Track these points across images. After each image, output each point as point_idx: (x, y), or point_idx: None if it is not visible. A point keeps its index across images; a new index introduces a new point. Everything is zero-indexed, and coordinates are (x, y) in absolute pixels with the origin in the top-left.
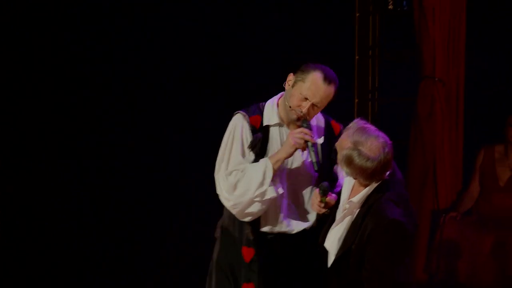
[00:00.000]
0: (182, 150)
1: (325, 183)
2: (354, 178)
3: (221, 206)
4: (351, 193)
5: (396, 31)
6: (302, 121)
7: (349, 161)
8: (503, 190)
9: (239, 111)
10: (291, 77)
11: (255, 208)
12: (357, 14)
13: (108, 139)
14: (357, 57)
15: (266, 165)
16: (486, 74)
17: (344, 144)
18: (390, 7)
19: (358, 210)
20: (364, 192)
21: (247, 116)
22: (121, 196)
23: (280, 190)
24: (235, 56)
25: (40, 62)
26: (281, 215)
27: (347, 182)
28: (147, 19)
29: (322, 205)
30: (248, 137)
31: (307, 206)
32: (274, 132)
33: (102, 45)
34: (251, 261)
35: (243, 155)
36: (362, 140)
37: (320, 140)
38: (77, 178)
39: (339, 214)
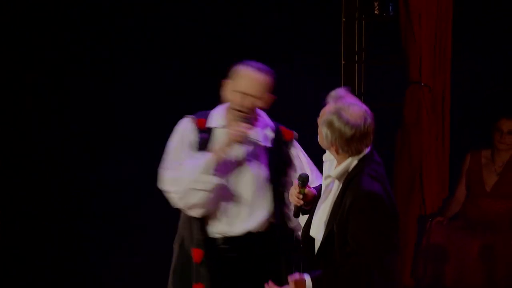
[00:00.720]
0: None
1: (304, 174)
2: (332, 146)
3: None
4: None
5: (383, 36)
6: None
7: (329, 124)
8: (489, 195)
9: (187, 115)
10: (225, 82)
11: (197, 197)
12: (343, 19)
13: (108, 139)
14: (343, 62)
15: (208, 158)
16: (473, 79)
17: (326, 110)
18: (376, 12)
19: (340, 188)
20: (343, 166)
21: (194, 119)
22: (122, 196)
23: (221, 181)
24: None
25: (40, 61)
26: (227, 216)
27: (326, 167)
28: (146, 19)
29: (301, 196)
30: (193, 137)
31: (252, 207)
32: (219, 134)
33: (102, 47)
34: (201, 263)
35: (188, 154)
36: (344, 106)
37: (261, 137)
38: (77, 178)
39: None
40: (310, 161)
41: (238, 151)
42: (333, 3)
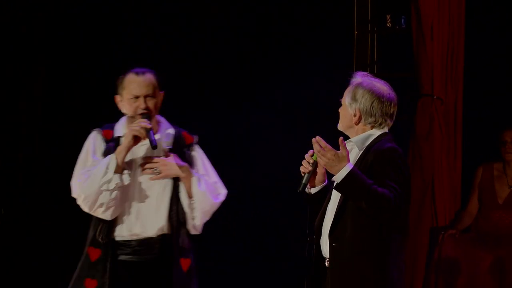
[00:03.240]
0: None
1: None
2: (355, 116)
3: None
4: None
5: (395, 49)
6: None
7: (353, 93)
8: (501, 207)
9: (95, 128)
10: (117, 98)
11: (104, 198)
12: (356, 32)
13: None
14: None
15: (110, 157)
16: (485, 92)
17: (352, 83)
18: (389, 25)
19: (359, 154)
20: (364, 134)
21: (100, 131)
22: None
23: (126, 179)
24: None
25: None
26: (133, 217)
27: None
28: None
29: (311, 161)
30: (100, 147)
31: (157, 211)
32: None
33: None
34: (97, 261)
35: (95, 162)
36: (369, 79)
37: (163, 141)
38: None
39: (331, 204)
40: (211, 166)
41: (140, 151)
42: (345, 16)
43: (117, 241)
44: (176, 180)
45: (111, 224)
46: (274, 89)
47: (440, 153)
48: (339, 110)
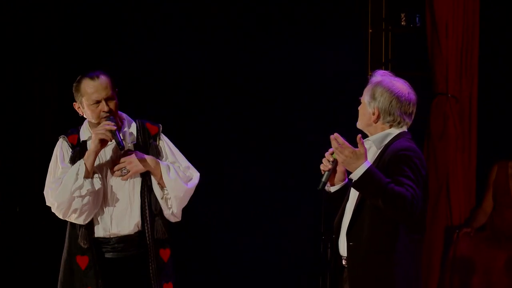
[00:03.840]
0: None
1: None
2: (373, 115)
3: None
4: None
5: (409, 47)
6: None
7: (372, 92)
8: None
9: (61, 135)
10: (76, 105)
11: (77, 204)
12: (370, 31)
13: None
14: (370, 73)
15: (79, 163)
16: (500, 90)
17: (371, 81)
18: (403, 23)
19: (377, 153)
20: (383, 133)
21: (65, 137)
22: None
23: (97, 184)
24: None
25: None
26: (108, 218)
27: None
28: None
29: (331, 158)
30: (68, 153)
31: (131, 208)
32: (90, 144)
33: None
34: (87, 268)
35: (65, 169)
36: (388, 78)
37: (127, 136)
38: None
39: (350, 204)
40: (179, 152)
41: (108, 152)
42: (360, 14)
43: (97, 239)
44: (145, 174)
45: (90, 227)
46: (292, 87)
47: (455, 152)
48: (359, 109)
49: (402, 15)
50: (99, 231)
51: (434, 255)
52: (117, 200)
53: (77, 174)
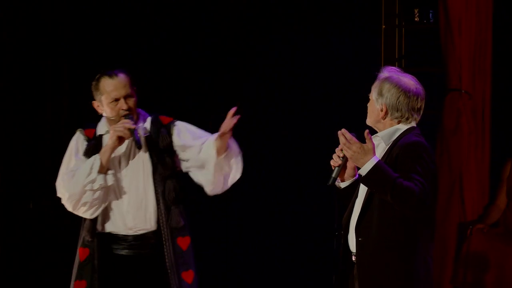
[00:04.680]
0: None
1: (354, 134)
2: (381, 111)
3: None
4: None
5: (422, 44)
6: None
7: (380, 88)
8: None
9: (78, 129)
10: (95, 103)
11: (88, 197)
12: (383, 27)
13: None
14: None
15: (94, 157)
16: None
17: (379, 78)
18: (416, 19)
19: (385, 149)
20: (391, 129)
21: (82, 130)
22: None
23: (110, 180)
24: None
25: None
26: (125, 213)
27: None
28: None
29: (341, 154)
30: (82, 146)
31: (147, 207)
32: (106, 139)
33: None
34: (85, 261)
35: (79, 162)
36: (396, 74)
37: (142, 130)
38: None
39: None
40: (200, 131)
41: (125, 149)
42: (373, 10)
43: (114, 235)
44: (156, 164)
45: (98, 221)
46: (305, 83)
47: (468, 148)
48: (367, 105)
49: (416, 11)
50: (118, 228)
51: (447, 251)
52: (133, 195)
53: (92, 168)
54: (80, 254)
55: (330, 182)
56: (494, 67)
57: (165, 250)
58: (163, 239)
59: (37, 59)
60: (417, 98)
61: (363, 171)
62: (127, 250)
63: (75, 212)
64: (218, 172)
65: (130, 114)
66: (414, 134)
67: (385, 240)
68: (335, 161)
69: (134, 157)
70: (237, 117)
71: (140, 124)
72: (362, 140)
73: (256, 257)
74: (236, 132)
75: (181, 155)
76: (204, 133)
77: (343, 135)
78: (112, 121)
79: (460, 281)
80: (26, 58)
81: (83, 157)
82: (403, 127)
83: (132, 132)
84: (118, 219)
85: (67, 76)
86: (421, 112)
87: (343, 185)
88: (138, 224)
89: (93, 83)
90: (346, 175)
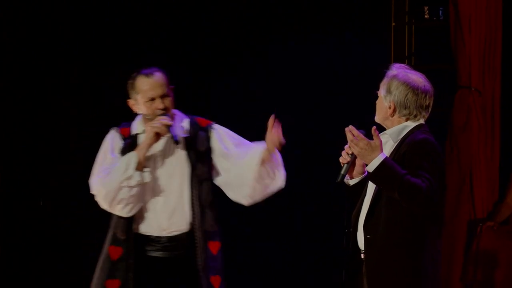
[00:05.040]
0: None
1: (363, 131)
2: (390, 108)
3: None
4: None
5: (432, 41)
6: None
7: (388, 85)
8: None
9: (113, 127)
10: (131, 102)
11: (124, 194)
12: (393, 24)
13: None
14: None
15: (131, 154)
16: None
17: (387, 75)
18: (426, 16)
19: (394, 146)
20: (399, 126)
21: (117, 129)
22: None
23: (147, 176)
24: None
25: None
26: (159, 213)
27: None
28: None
29: (350, 152)
30: (118, 144)
31: (181, 209)
32: (141, 138)
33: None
34: (118, 260)
35: (114, 160)
36: (404, 71)
37: (179, 131)
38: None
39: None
40: (238, 136)
41: (162, 147)
42: (383, 7)
43: (147, 236)
44: (195, 165)
45: (132, 220)
46: (315, 81)
47: (478, 145)
48: (376, 102)
49: (425, 8)
50: (151, 229)
51: (457, 249)
52: (168, 194)
53: (128, 164)
54: (111, 253)
55: (339, 179)
56: (503, 64)
57: (197, 252)
58: (195, 242)
59: (37, 59)
60: (425, 96)
61: (371, 167)
62: (160, 252)
63: (111, 210)
64: (258, 182)
65: (166, 113)
66: (422, 131)
67: (393, 237)
68: (344, 158)
69: (170, 156)
70: (279, 126)
71: (177, 124)
72: (370, 137)
73: (266, 256)
74: (242, 131)
75: (221, 163)
76: (244, 139)
77: (350, 132)
78: (148, 120)
79: (470, 279)
80: (26, 58)
81: (119, 156)
82: (411, 124)
83: (169, 128)
84: (153, 219)
85: (67, 76)
86: (430, 110)
87: (352, 182)
88: (173, 225)
89: (129, 81)
90: (355, 172)
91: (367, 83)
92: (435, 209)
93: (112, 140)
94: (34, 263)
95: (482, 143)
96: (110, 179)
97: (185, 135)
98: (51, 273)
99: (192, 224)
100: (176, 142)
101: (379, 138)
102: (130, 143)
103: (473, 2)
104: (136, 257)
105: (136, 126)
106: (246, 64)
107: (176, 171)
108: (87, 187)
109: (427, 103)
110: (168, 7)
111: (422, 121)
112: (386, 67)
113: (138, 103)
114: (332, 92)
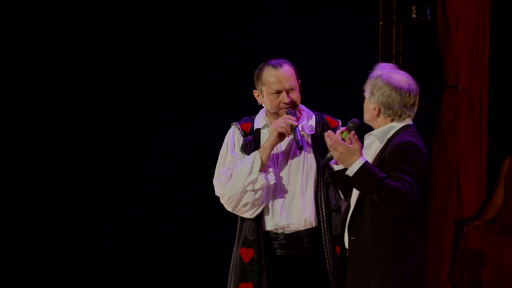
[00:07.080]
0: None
1: (357, 120)
2: (375, 109)
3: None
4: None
5: (420, 40)
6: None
7: (373, 86)
8: None
9: (233, 122)
10: (256, 93)
11: (249, 198)
12: (381, 23)
13: (108, 140)
14: None
15: (254, 155)
16: (510, 82)
17: (371, 76)
18: (414, 16)
19: (379, 148)
20: (385, 127)
21: (238, 124)
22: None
23: (272, 178)
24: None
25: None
26: (278, 210)
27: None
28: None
29: (340, 137)
30: (239, 141)
31: (305, 203)
32: (264, 134)
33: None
34: (250, 262)
35: (236, 158)
36: (388, 71)
37: (306, 128)
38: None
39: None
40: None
41: (285, 145)
42: (370, 7)
43: (267, 233)
44: (323, 168)
45: (257, 218)
46: (301, 79)
47: (465, 144)
48: (364, 104)
49: (413, 7)
50: (268, 225)
51: (444, 248)
52: (289, 193)
53: (252, 167)
54: (243, 255)
55: (323, 161)
56: (491, 64)
57: (326, 256)
58: (324, 246)
59: (37, 59)
60: (409, 94)
61: (350, 171)
62: (278, 250)
63: (235, 212)
64: None
65: (292, 109)
66: (409, 133)
67: (376, 240)
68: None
69: (295, 156)
70: None
71: (304, 122)
72: (362, 129)
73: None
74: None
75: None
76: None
77: (329, 136)
78: (271, 115)
79: (457, 278)
80: (26, 58)
81: (240, 153)
82: (397, 125)
83: (294, 129)
84: (271, 216)
85: (68, 76)
86: (415, 108)
87: (336, 167)
88: (290, 225)
89: (256, 71)
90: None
91: (354, 83)
92: (417, 212)
93: (232, 136)
94: (28, 264)
95: (470, 142)
96: (233, 183)
97: (311, 132)
98: (51, 273)
99: (320, 228)
100: (300, 147)
101: (358, 143)
102: (252, 140)
103: (461, 1)
104: (266, 258)
105: (258, 121)
106: (236, 64)
107: (299, 171)
108: (87, 187)
109: (411, 102)
110: (164, 8)
111: (408, 120)
112: (372, 67)
113: (263, 95)
114: (319, 92)
